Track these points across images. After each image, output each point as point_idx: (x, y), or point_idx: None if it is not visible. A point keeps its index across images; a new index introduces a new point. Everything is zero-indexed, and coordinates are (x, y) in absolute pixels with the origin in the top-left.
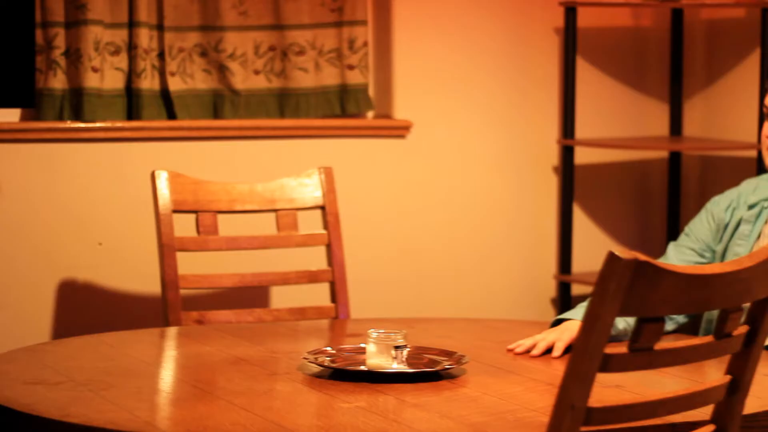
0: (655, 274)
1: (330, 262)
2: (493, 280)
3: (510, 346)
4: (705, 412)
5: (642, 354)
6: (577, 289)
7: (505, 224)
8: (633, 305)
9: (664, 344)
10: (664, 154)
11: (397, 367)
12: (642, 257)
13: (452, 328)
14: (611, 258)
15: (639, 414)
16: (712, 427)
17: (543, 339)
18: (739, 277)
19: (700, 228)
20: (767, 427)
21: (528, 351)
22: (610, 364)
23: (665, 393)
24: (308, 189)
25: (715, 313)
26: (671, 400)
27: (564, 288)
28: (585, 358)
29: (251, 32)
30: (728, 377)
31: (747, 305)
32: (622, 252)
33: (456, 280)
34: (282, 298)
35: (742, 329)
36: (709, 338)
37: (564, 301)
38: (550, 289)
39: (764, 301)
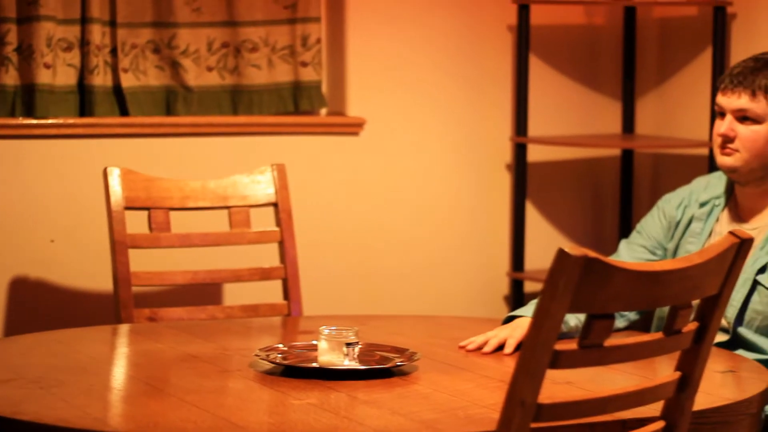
0: (605, 271)
1: (282, 260)
2: (446, 277)
3: (462, 343)
4: (655, 408)
5: (592, 350)
6: (529, 287)
7: (458, 222)
8: (583, 302)
9: (614, 341)
10: (616, 151)
11: (348, 364)
12: (591, 254)
13: (404, 325)
14: (561, 255)
15: (589, 410)
16: (661, 423)
17: (495, 336)
18: (688, 274)
19: (651, 226)
20: (717, 423)
21: (480, 348)
22: (560, 361)
23: (615, 389)
24: (261, 186)
25: (666, 310)
26: (621, 396)
27: (517, 285)
28: (535, 355)
29: (204, 29)
30: (678, 374)
31: (696, 302)
32: (572, 249)
33: (409, 277)
34: (234, 295)
35: (692, 326)
36: (659, 335)
37: (517, 298)
38: (503, 286)
39: (713, 298)
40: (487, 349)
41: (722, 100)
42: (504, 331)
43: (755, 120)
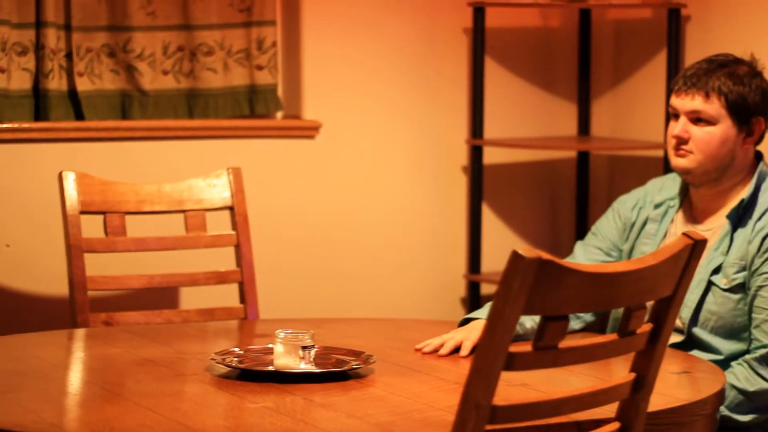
0: (559, 273)
1: (239, 263)
2: (403, 279)
3: (418, 346)
4: (610, 409)
5: (546, 352)
6: (486, 289)
7: (415, 224)
8: (537, 304)
9: (568, 342)
10: (572, 153)
11: (304, 367)
12: (546, 256)
13: (360, 328)
14: (515, 257)
15: (544, 412)
16: (617, 424)
17: (451, 338)
18: (642, 276)
19: (606, 227)
20: (672, 424)
21: (436, 350)
22: (515, 363)
23: (570, 391)
24: (217, 189)
25: (621, 311)
26: (576, 397)
27: (473, 287)
28: (489, 357)
29: (159, 32)
30: (633, 375)
31: (651, 303)
32: (526, 251)
33: (366, 280)
34: (191, 299)
35: (646, 327)
36: (613, 336)
37: (473, 300)
38: (460, 288)
39: (668, 299)
40: (443, 351)
41: (676, 101)
42: (460, 333)
43: (709, 121)
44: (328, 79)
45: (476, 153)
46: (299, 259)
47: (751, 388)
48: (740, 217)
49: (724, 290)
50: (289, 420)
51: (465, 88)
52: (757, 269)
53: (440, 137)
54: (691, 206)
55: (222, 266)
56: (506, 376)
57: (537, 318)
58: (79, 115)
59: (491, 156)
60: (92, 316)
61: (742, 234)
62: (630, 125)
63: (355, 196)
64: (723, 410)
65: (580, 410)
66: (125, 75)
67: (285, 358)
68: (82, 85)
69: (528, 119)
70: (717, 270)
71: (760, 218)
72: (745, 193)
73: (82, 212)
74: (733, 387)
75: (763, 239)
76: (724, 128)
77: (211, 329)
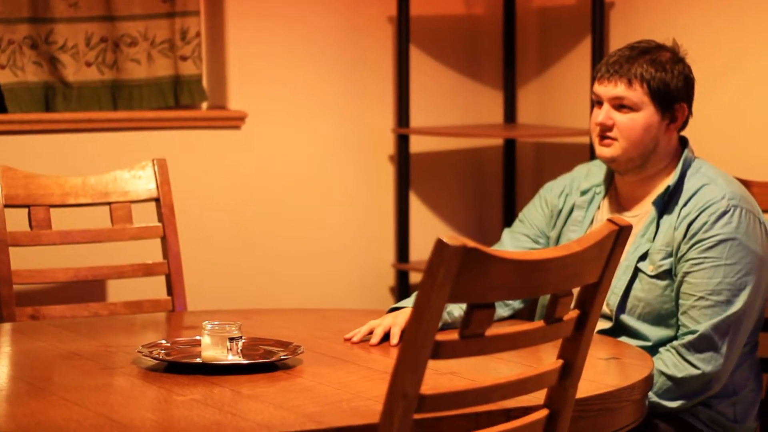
0: (484, 261)
1: (165, 255)
2: (332, 269)
3: (347, 336)
4: (539, 396)
5: (473, 340)
6: (415, 277)
7: (342, 214)
8: (462, 292)
9: (495, 330)
10: (498, 141)
11: (232, 358)
12: (470, 243)
13: (289, 318)
14: (439, 245)
15: (472, 400)
16: (545, 411)
17: (379, 325)
18: (567, 262)
19: (534, 214)
20: (600, 410)
21: (365, 339)
22: (441, 351)
23: (498, 378)
24: (142, 181)
25: (548, 298)
26: (504, 385)
27: (402, 276)
28: (416, 346)
29: (82, 24)
30: (560, 362)
31: (577, 290)
32: (451, 239)
33: (294, 270)
34: (118, 291)
35: (573, 314)
36: (540, 323)
37: (402, 289)
38: (389, 277)
39: (594, 286)
40: (373, 341)
41: (599, 88)
42: (387, 320)
43: (632, 108)
44: (253, 69)
45: (402, 142)
46: (226, 250)
47: (679, 374)
48: (666, 203)
49: (651, 277)
50: (217, 412)
51: (390, 76)
52: (683, 255)
53: (366, 126)
54: (617, 193)
55: (149, 258)
56: (434, 365)
57: (465, 306)
58: (2, 108)
59: (418, 145)
60: (18, 310)
61: (668, 220)
62: (556, 112)
63: (281, 186)
64: (652, 396)
65: (509, 398)
66: (48, 67)
67: (212, 350)
68: (5, 77)
69: (454, 107)
70: (644, 257)
71: (685, 204)
72: (670, 179)
73: (6, 206)
74: (662, 373)
75: (689, 225)
76: (647, 115)
77: (138, 322)
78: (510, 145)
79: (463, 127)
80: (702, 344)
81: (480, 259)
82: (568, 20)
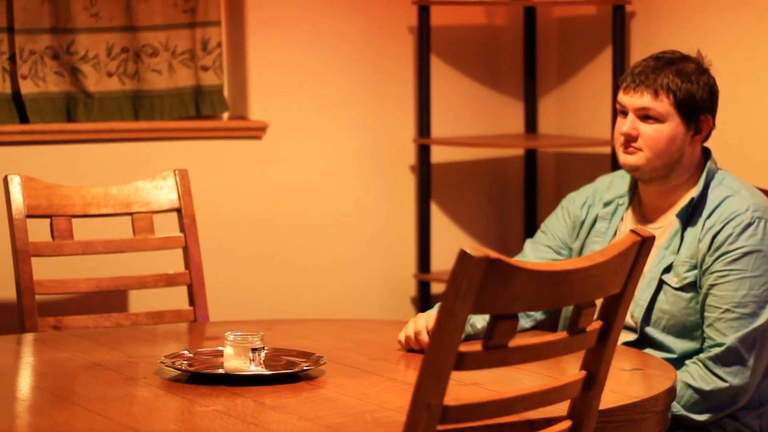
0: (507, 272)
1: (187, 265)
2: (353, 280)
3: (401, 338)
4: (562, 407)
5: (496, 351)
6: (436, 288)
7: (363, 224)
8: (486, 303)
9: (518, 341)
10: (519, 151)
11: (254, 369)
12: (493, 254)
13: (310, 329)
14: (463, 256)
15: (495, 411)
16: (568, 422)
17: (419, 331)
18: (590, 273)
19: (556, 225)
20: (623, 421)
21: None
22: (465, 362)
23: (521, 389)
24: (164, 191)
25: (571, 309)
26: (527, 396)
27: (423, 287)
28: (439, 357)
29: (103, 34)
30: (583, 373)
31: (600, 301)
32: (474, 250)
33: (315, 281)
34: (140, 302)
35: (596, 325)
36: (563, 334)
37: (424, 299)
38: (410, 288)
39: (616, 297)
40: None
41: (624, 99)
42: (421, 321)
43: (657, 119)
44: (274, 79)
45: (424, 152)
46: (248, 260)
47: (707, 387)
48: (690, 215)
49: (676, 289)
50: (240, 423)
51: (411, 86)
52: (708, 268)
53: (387, 137)
54: (641, 204)
55: (170, 268)
56: (457, 376)
57: (488, 317)
58: (24, 118)
59: (439, 155)
60: (41, 321)
61: (692, 232)
62: (577, 122)
63: (302, 196)
64: (679, 409)
65: (532, 409)
66: (69, 77)
67: (235, 361)
68: (26, 87)
69: (475, 117)
70: (668, 269)
71: (709, 216)
72: (694, 191)
73: (28, 216)
74: (689, 386)
75: (714, 237)
76: (672, 126)
77: (160, 332)
78: (531, 155)
79: (484, 137)
80: (729, 357)
81: (503, 270)
82: (589, 30)
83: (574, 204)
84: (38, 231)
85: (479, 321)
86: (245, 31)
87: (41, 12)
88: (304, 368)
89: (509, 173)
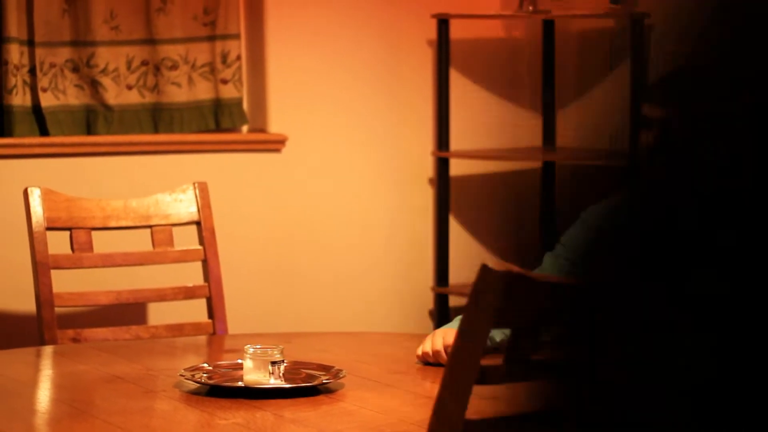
0: (529, 286)
1: (206, 278)
2: (371, 293)
3: (419, 353)
4: None
5: (519, 365)
6: (454, 301)
7: (381, 237)
8: (507, 318)
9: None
10: (537, 164)
11: (274, 382)
12: (514, 269)
13: (330, 342)
14: (484, 271)
15: (516, 426)
16: None
17: (437, 349)
18: None
19: (576, 238)
20: None
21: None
22: (487, 377)
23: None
24: (183, 204)
25: None
26: None
27: (441, 300)
28: (461, 371)
29: (123, 47)
30: None
31: None
32: (495, 264)
33: (334, 293)
34: (159, 314)
35: None
36: None
37: (442, 312)
38: (428, 301)
39: None
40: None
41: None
42: (438, 338)
43: None
44: (294, 93)
45: (442, 165)
46: (267, 273)
47: None
48: None
49: None
50: None
51: (430, 100)
52: None
53: (406, 149)
54: None
55: (190, 281)
56: (477, 390)
57: (507, 331)
58: (44, 131)
59: (457, 168)
60: (60, 333)
61: None
62: (595, 135)
63: (321, 209)
64: None
65: None
66: (89, 90)
67: (254, 374)
68: (46, 100)
69: (493, 130)
70: None
71: None
72: None
73: (48, 228)
74: None
75: None
76: None
77: (179, 345)
78: (549, 167)
79: (502, 150)
80: None
81: (524, 284)
82: (608, 43)
83: (594, 217)
84: (58, 243)
85: (498, 334)
86: (265, 45)
87: (61, 25)
88: (324, 381)
89: (527, 186)
